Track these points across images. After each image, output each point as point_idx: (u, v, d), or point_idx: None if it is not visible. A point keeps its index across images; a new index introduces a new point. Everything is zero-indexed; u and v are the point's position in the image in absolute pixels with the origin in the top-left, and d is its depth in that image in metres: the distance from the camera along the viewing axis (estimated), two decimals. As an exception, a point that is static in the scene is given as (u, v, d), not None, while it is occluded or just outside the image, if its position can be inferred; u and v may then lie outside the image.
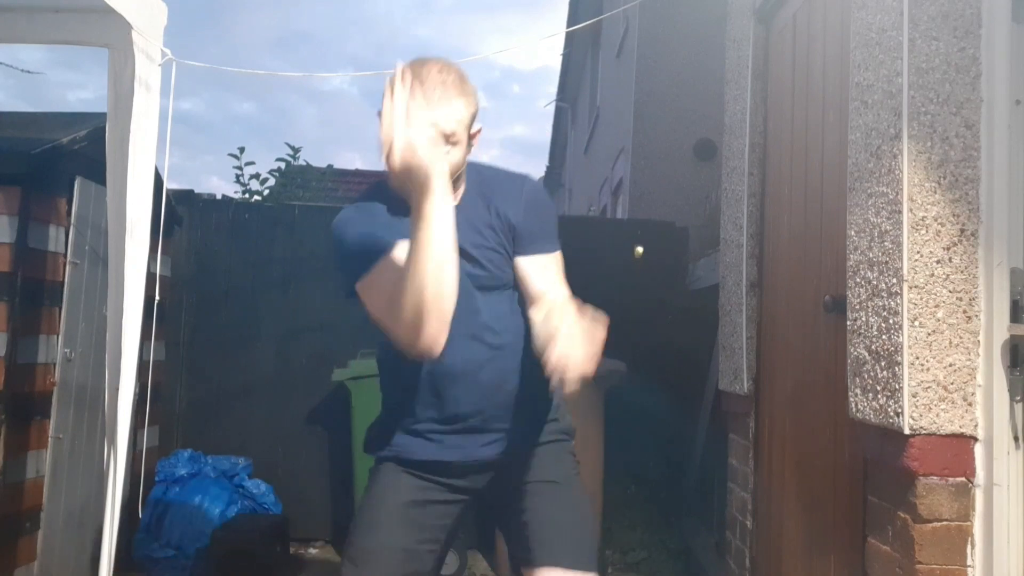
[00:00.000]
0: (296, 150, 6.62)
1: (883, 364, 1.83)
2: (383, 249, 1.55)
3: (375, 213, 1.64)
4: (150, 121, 2.43)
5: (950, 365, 1.75)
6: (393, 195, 1.58)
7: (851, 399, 1.99)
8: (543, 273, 1.59)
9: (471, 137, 1.56)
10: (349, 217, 1.70)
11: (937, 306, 1.76)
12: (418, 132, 1.38)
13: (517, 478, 1.65)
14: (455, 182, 1.57)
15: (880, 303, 1.86)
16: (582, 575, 1.58)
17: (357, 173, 11.16)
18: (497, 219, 1.61)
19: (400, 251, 1.47)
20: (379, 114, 1.41)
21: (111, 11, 2.23)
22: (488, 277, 1.61)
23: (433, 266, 1.39)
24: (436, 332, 1.44)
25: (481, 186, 1.64)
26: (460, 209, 1.54)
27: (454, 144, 1.52)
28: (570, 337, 1.35)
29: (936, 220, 1.77)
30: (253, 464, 4.35)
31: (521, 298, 1.62)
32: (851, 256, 2.03)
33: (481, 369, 1.59)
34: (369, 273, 1.56)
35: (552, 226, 1.67)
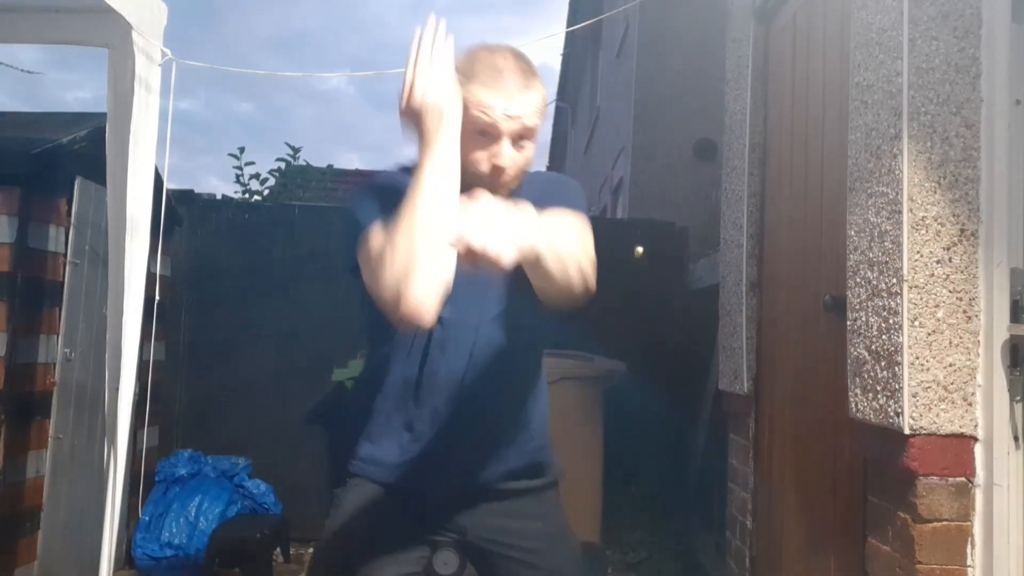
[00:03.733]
0: (296, 150, 6.62)
1: (883, 364, 1.83)
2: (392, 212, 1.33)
3: (396, 189, 1.40)
4: (150, 121, 2.43)
5: (950, 365, 1.75)
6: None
7: (851, 399, 1.99)
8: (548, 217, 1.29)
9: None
10: (369, 186, 1.51)
11: (937, 306, 1.76)
12: (439, 73, 1.29)
13: (504, 529, 1.49)
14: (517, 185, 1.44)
15: (880, 303, 1.86)
16: None
17: (357, 173, 11.15)
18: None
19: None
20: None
21: (111, 11, 2.23)
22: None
23: (425, 218, 1.25)
24: (422, 294, 1.24)
25: (531, 191, 1.43)
26: None
27: (531, 139, 1.41)
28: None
29: (936, 220, 1.77)
30: (253, 464, 4.35)
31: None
32: (851, 256, 2.03)
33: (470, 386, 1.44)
34: (373, 228, 1.36)
35: (574, 196, 1.48)
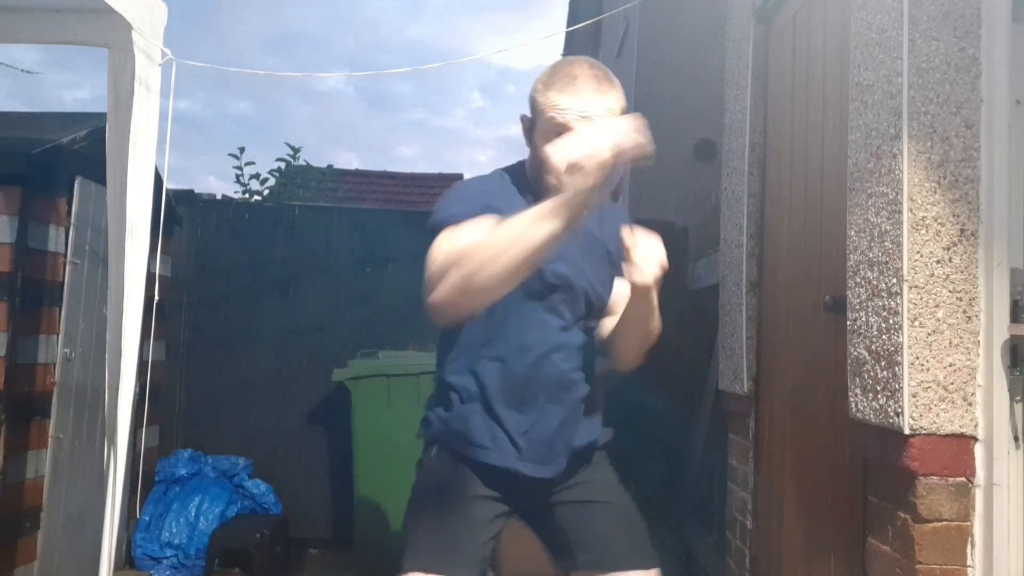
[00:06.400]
0: (296, 150, 6.64)
1: (883, 364, 1.83)
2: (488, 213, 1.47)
3: (498, 192, 1.60)
4: (150, 121, 2.44)
5: (950, 365, 1.75)
6: (515, 188, 1.60)
7: (851, 399, 1.99)
8: None
9: None
10: (477, 181, 1.69)
11: (937, 306, 1.76)
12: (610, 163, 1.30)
13: (568, 495, 1.68)
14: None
15: (880, 303, 1.86)
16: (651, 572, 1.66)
17: (357, 173, 11.16)
18: (612, 245, 1.62)
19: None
20: (522, 118, 1.58)
21: (111, 11, 2.24)
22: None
23: (517, 250, 1.32)
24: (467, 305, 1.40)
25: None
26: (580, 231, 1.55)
27: None
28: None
29: (936, 220, 1.77)
30: (253, 464, 4.35)
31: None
32: (851, 256, 2.03)
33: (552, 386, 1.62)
34: (463, 221, 1.47)
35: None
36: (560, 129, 1.47)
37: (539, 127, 1.53)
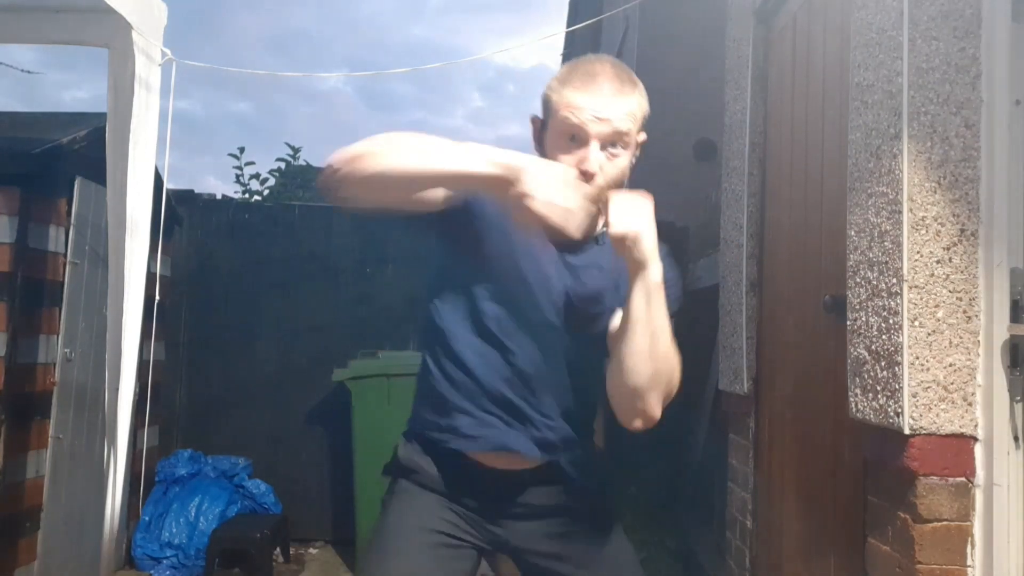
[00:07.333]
0: (296, 150, 6.63)
1: (883, 364, 1.83)
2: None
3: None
4: (150, 121, 2.44)
5: (950, 365, 1.75)
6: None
7: (851, 399, 1.99)
8: None
9: (638, 145, 1.41)
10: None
11: (937, 306, 1.76)
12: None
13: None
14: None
15: (880, 303, 1.86)
16: None
17: (357, 173, 11.15)
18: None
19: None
20: (533, 120, 1.43)
21: (111, 11, 2.24)
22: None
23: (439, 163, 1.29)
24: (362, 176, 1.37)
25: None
26: (597, 246, 1.44)
27: (624, 147, 1.37)
28: None
29: (936, 220, 1.77)
30: (253, 464, 4.36)
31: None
32: (851, 256, 2.03)
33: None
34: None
35: (673, 290, 1.49)
36: (574, 131, 1.33)
37: (551, 128, 1.37)
